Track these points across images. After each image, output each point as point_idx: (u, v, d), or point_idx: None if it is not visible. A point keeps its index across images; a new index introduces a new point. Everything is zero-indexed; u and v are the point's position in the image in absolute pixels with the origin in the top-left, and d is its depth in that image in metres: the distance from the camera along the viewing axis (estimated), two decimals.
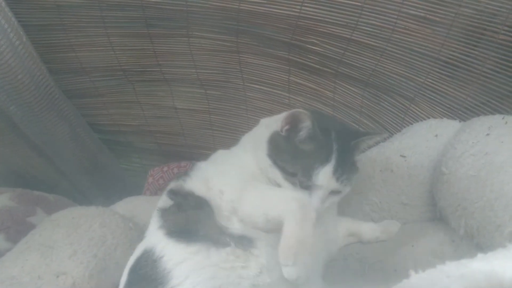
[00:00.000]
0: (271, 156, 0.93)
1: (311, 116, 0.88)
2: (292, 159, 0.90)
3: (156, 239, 0.84)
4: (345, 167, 0.90)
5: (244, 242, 0.81)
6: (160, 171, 1.93)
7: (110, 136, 2.00)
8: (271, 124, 1.00)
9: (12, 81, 1.40)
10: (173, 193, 0.93)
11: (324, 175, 0.88)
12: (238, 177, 0.94)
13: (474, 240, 0.88)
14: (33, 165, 1.83)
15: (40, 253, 1.01)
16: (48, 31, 1.55)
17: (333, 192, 0.92)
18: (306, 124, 0.90)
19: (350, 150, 0.94)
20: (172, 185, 0.97)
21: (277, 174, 0.92)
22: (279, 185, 0.92)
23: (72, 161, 1.86)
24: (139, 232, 1.20)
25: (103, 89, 1.78)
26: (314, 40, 1.38)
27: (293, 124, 0.92)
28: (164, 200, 0.93)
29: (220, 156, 1.06)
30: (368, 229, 1.08)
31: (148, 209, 1.45)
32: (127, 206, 1.45)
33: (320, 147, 0.90)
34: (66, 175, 1.92)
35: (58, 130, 1.69)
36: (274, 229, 0.79)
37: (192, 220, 0.85)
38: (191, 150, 1.99)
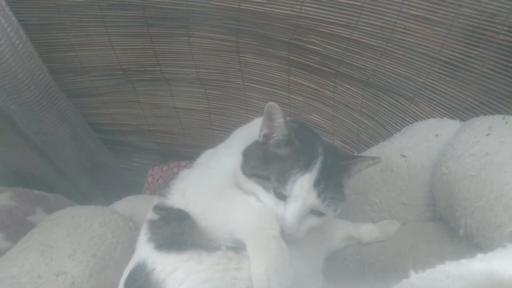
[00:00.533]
0: (244, 169, 0.84)
1: (282, 112, 0.80)
2: (264, 162, 0.81)
3: (145, 252, 0.82)
4: (330, 184, 0.79)
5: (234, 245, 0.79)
6: (160, 171, 1.93)
7: (110, 136, 2.00)
8: (257, 122, 0.92)
9: (12, 80, 1.40)
10: (158, 208, 0.90)
11: (302, 185, 0.77)
12: (212, 187, 0.87)
13: (474, 240, 0.88)
14: (33, 164, 1.83)
15: (40, 252, 1.01)
16: (48, 30, 1.55)
17: (314, 212, 0.80)
18: (278, 122, 0.81)
19: (338, 170, 0.83)
20: (156, 200, 0.93)
21: (251, 184, 0.82)
22: (256, 195, 0.83)
23: (72, 161, 1.86)
24: (139, 231, 1.20)
25: (103, 88, 1.78)
26: (314, 40, 1.38)
27: (268, 123, 0.83)
28: (151, 214, 0.90)
29: (205, 159, 1.01)
30: (367, 231, 1.05)
31: (147, 209, 1.46)
32: (126, 205, 1.45)
33: (299, 152, 0.81)
34: (65, 174, 1.92)
35: (58, 129, 1.69)
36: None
37: (178, 231, 0.82)
38: (191, 150, 1.99)
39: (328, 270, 0.98)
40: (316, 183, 0.77)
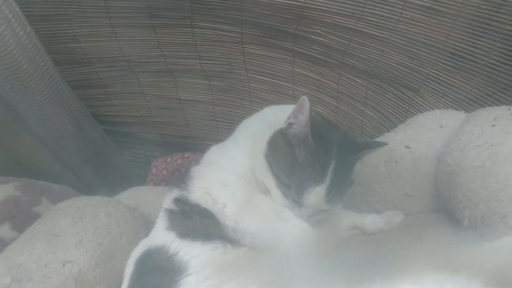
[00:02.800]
0: (268, 159, 0.89)
1: (311, 110, 0.84)
2: (289, 170, 0.86)
3: (166, 239, 0.84)
4: (339, 187, 0.87)
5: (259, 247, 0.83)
6: (164, 162, 1.93)
7: (113, 127, 2.01)
8: (276, 118, 0.95)
9: (16, 71, 1.40)
10: (179, 201, 0.91)
11: (315, 197, 0.84)
12: (238, 187, 0.90)
13: (478, 231, 0.88)
14: (37, 155, 1.84)
15: (46, 241, 1.02)
16: (52, 21, 1.55)
17: (322, 210, 0.89)
18: (302, 118, 0.85)
19: (349, 167, 0.90)
20: (176, 193, 0.93)
21: (269, 180, 0.88)
22: (267, 190, 0.90)
23: (76, 152, 1.87)
24: (144, 221, 1.21)
25: (107, 80, 1.78)
26: (318, 31, 1.37)
27: (296, 114, 0.87)
28: (170, 204, 0.92)
29: (214, 156, 1.01)
30: (371, 221, 1.07)
31: (152, 199, 1.46)
32: (131, 196, 1.46)
33: (314, 160, 0.85)
34: (69, 165, 1.93)
35: (62, 120, 1.69)
36: None
37: (201, 227, 0.85)
38: (195, 141, 1.99)
39: (330, 261, 0.98)
40: (328, 192, 0.85)
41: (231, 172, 0.93)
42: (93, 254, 1.01)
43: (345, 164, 0.88)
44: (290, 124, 0.89)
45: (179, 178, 0.97)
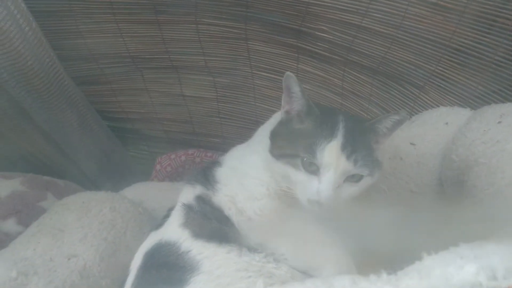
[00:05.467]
0: (272, 151, 0.85)
1: (299, 81, 0.82)
2: (291, 141, 0.82)
3: (179, 236, 0.83)
4: (358, 145, 0.79)
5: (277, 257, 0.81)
6: (168, 159, 1.93)
7: (118, 123, 2.01)
8: (276, 116, 0.94)
9: (21, 67, 1.40)
10: (201, 201, 0.89)
11: (331, 152, 0.76)
12: (267, 202, 0.85)
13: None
14: (42, 151, 1.85)
15: (52, 236, 1.03)
16: (57, 17, 1.55)
17: (350, 178, 0.80)
18: (295, 91, 0.82)
19: (363, 132, 0.83)
20: (199, 191, 0.91)
21: (281, 167, 0.83)
22: (287, 179, 0.83)
23: (80, 148, 1.87)
24: (148, 216, 1.22)
25: (112, 76, 1.79)
26: (323, 27, 1.37)
27: (287, 98, 0.84)
28: (190, 200, 0.90)
29: (238, 163, 0.96)
30: None
31: (156, 195, 1.47)
32: (135, 191, 1.47)
33: (321, 122, 0.81)
34: (74, 161, 1.93)
35: (67, 116, 1.70)
36: None
37: (219, 231, 0.83)
38: (199, 138, 1.99)
39: None
40: (343, 147, 0.77)
41: (259, 183, 0.88)
42: (97, 249, 1.02)
43: (356, 127, 0.82)
44: (287, 112, 0.86)
45: (203, 175, 0.93)
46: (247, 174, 0.90)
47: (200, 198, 0.89)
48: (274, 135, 0.87)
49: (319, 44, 1.44)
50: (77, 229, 1.05)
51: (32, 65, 1.43)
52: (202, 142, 2.00)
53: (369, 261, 0.78)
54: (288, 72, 0.82)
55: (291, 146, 0.81)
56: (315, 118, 0.82)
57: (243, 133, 1.82)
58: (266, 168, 0.88)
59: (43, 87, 1.51)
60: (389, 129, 0.85)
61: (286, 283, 0.70)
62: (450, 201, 0.98)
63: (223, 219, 0.85)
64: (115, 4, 1.51)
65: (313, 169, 0.79)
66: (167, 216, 0.93)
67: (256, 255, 0.79)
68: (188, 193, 0.92)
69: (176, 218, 0.88)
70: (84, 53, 1.67)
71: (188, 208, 0.88)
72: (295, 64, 1.57)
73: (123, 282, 0.90)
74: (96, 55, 1.69)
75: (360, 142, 0.81)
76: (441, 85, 1.27)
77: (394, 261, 0.57)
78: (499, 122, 0.96)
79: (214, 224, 0.84)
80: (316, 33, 1.40)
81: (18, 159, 1.82)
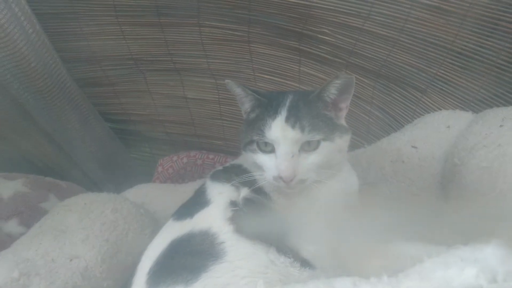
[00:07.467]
0: (240, 146, 0.94)
1: (237, 83, 0.90)
2: (247, 131, 0.90)
3: (221, 229, 0.82)
4: (301, 115, 0.84)
5: (305, 263, 0.81)
6: (170, 161, 1.94)
7: (120, 125, 2.02)
8: None
9: (25, 69, 1.41)
10: (251, 202, 0.89)
11: (276, 126, 0.83)
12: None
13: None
14: (45, 152, 1.85)
15: (53, 237, 1.03)
16: (61, 19, 1.56)
17: (306, 147, 0.84)
18: (238, 92, 0.91)
19: (308, 103, 0.87)
20: (245, 192, 0.90)
21: (248, 156, 0.90)
22: (256, 166, 0.89)
23: (83, 149, 1.88)
24: (150, 218, 1.22)
25: (114, 78, 1.79)
26: (325, 30, 1.37)
27: (238, 101, 0.94)
28: (233, 197, 0.90)
29: None
30: None
31: (158, 196, 1.47)
32: (137, 193, 1.47)
33: (267, 106, 0.88)
34: (76, 163, 1.94)
35: (70, 118, 1.70)
36: None
37: (265, 230, 0.83)
38: (201, 140, 2.00)
39: None
40: (287, 119, 0.83)
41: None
42: (99, 250, 1.02)
43: (302, 101, 0.87)
44: (246, 113, 0.94)
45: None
46: None
47: (249, 201, 0.89)
48: (240, 133, 0.96)
49: (321, 47, 1.45)
50: (79, 230, 1.05)
51: (36, 67, 1.43)
52: (204, 144, 2.00)
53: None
54: (226, 80, 0.91)
55: (248, 135, 0.89)
56: (265, 105, 0.89)
57: None
58: None
59: (46, 89, 1.52)
60: (336, 94, 0.88)
61: (287, 284, 0.71)
62: (452, 204, 0.98)
63: (275, 220, 0.87)
64: (118, 6, 1.52)
65: (269, 149, 0.85)
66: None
67: (282, 256, 0.79)
68: (231, 192, 0.91)
69: (221, 212, 0.86)
70: (87, 55, 1.68)
71: (235, 205, 0.88)
72: (297, 67, 1.57)
73: (125, 283, 0.90)
74: (99, 57, 1.70)
75: (305, 112, 0.85)
76: (443, 88, 1.28)
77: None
78: (501, 126, 0.96)
79: (263, 226, 0.85)
80: (318, 36, 1.40)
81: (21, 160, 1.83)
